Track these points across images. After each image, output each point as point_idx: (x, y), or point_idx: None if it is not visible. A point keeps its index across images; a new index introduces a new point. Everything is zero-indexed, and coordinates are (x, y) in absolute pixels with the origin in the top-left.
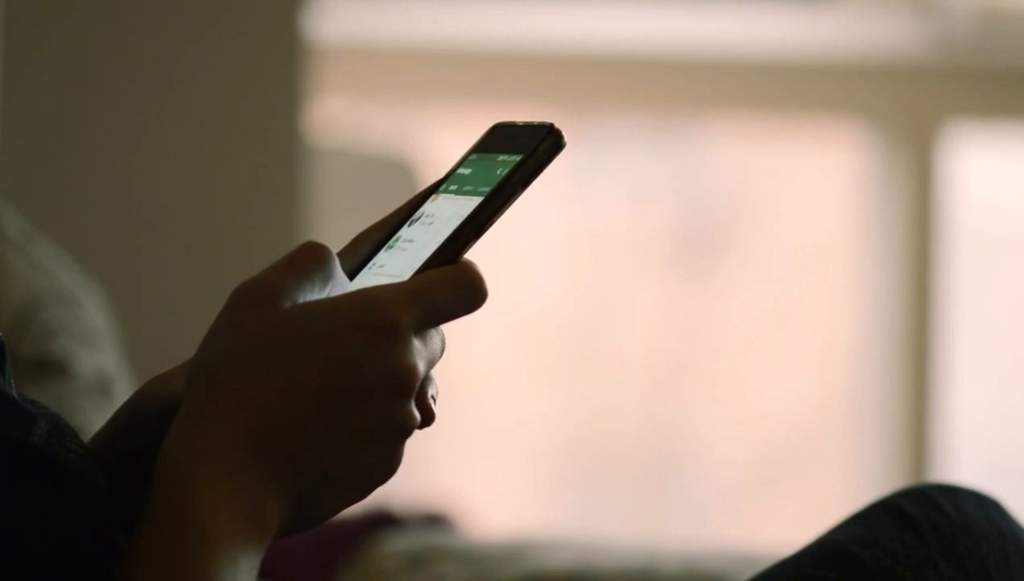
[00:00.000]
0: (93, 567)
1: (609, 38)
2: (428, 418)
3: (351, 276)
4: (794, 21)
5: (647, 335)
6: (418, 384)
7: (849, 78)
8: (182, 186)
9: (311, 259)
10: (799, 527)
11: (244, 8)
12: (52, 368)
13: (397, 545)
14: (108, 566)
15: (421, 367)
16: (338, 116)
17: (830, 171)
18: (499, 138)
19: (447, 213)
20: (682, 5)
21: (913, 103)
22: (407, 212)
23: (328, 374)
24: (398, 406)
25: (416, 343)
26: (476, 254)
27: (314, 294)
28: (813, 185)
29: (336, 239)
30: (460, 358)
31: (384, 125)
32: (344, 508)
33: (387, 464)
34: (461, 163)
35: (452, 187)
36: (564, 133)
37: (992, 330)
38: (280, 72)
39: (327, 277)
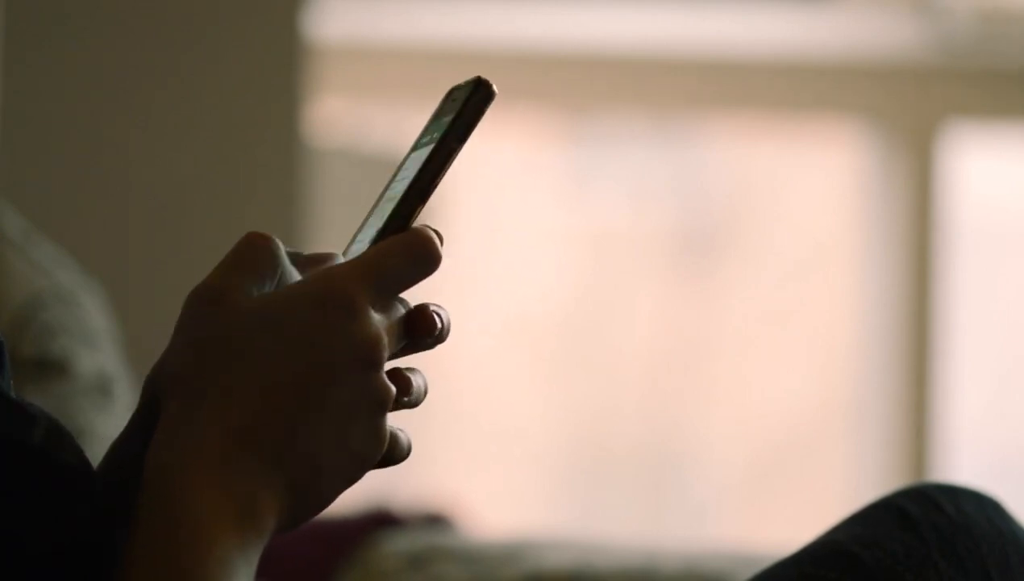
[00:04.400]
0: (92, 568)
1: (609, 38)
2: (406, 390)
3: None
4: (794, 21)
5: (647, 335)
6: (385, 354)
7: (849, 78)
8: (182, 186)
9: (256, 250)
10: (799, 527)
11: (244, 8)
12: (52, 368)
13: (397, 545)
14: (107, 567)
15: (385, 337)
16: (338, 116)
17: (830, 171)
18: (448, 101)
19: (402, 185)
20: (682, 5)
21: (913, 103)
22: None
23: (295, 358)
24: (369, 378)
25: (375, 315)
26: (475, 254)
27: (265, 285)
28: (813, 185)
29: (336, 239)
30: (461, 358)
31: (384, 125)
32: (341, 492)
33: (373, 439)
34: (423, 133)
35: (412, 155)
36: (493, 83)
37: (992, 330)
38: (280, 72)
39: (275, 266)
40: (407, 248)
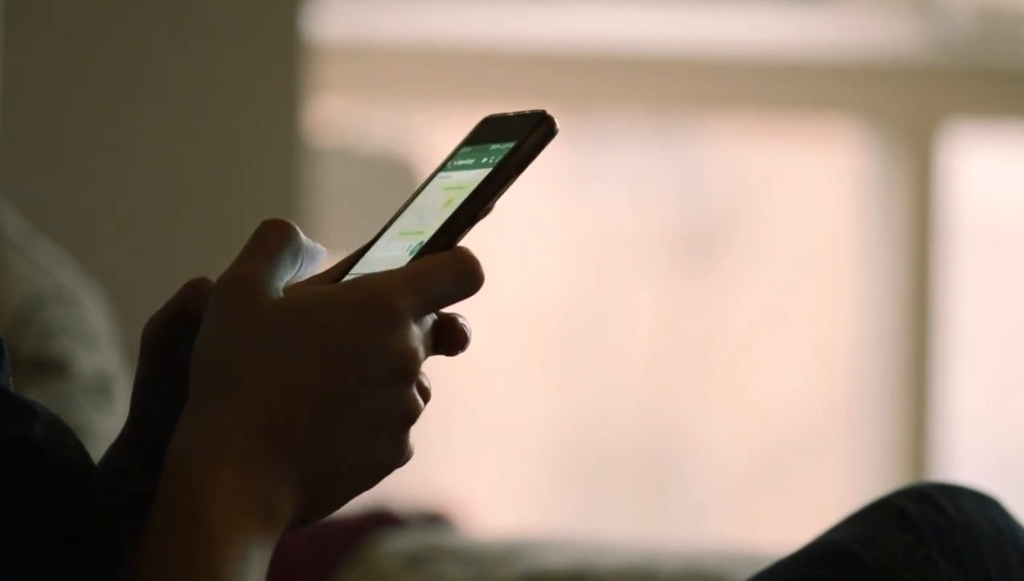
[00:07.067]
0: (93, 563)
1: (609, 38)
2: (425, 401)
3: (352, 262)
4: (794, 21)
5: (647, 335)
6: (419, 369)
7: (849, 78)
8: (182, 186)
9: (276, 237)
10: (799, 527)
11: (244, 8)
12: (52, 368)
13: (397, 545)
14: (108, 562)
15: (421, 352)
16: (338, 116)
17: (830, 171)
18: (490, 130)
19: (441, 201)
20: (682, 5)
21: (913, 103)
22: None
23: (331, 363)
24: (402, 393)
25: (415, 329)
26: (474, 253)
27: (288, 271)
28: (813, 185)
29: (336, 239)
30: (460, 357)
31: (384, 125)
32: (355, 496)
33: (396, 451)
34: (454, 155)
35: (446, 176)
36: (556, 120)
37: (992, 330)
38: (280, 72)
39: (296, 251)
40: (453, 266)
